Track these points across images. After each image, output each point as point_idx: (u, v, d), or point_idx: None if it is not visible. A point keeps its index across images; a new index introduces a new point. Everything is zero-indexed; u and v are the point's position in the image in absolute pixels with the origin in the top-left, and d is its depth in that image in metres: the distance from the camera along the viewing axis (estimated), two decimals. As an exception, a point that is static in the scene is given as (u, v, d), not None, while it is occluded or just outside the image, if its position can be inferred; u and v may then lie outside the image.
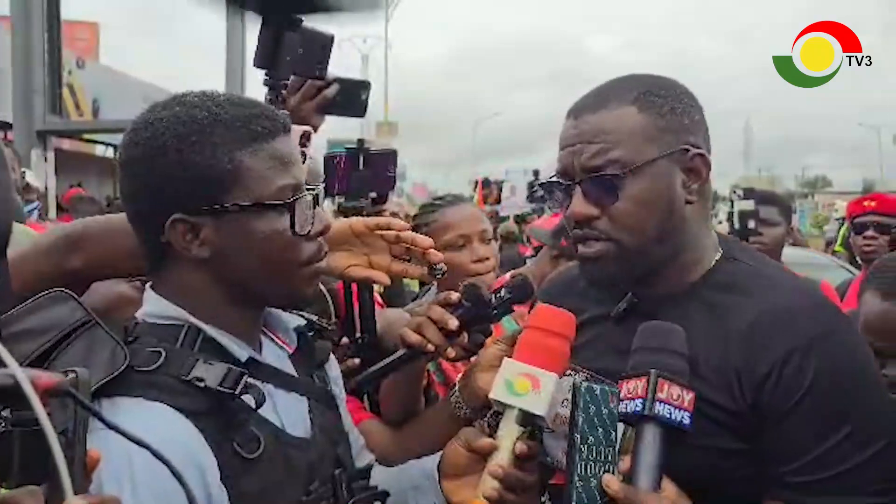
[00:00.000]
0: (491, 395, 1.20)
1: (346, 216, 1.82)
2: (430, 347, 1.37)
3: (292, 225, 1.10)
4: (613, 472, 1.12)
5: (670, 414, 1.08)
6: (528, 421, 1.18)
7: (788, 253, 3.75)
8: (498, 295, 1.42)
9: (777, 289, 1.22)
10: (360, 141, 1.86)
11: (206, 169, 1.06)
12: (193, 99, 1.10)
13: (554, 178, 1.29)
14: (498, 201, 11.46)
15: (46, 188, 11.51)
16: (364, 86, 1.93)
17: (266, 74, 1.71)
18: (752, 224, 3.13)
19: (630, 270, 1.24)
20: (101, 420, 0.74)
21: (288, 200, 1.10)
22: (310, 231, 1.13)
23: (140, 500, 0.94)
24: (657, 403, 1.08)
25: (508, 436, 1.18)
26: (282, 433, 1.11)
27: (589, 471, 1.12)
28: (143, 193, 1.09)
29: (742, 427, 1.15)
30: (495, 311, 1.41)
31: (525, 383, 1.18)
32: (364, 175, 1.83)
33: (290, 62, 1.70)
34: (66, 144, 14.76)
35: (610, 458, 1.14)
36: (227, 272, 1.10)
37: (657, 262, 1.25)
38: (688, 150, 1.23)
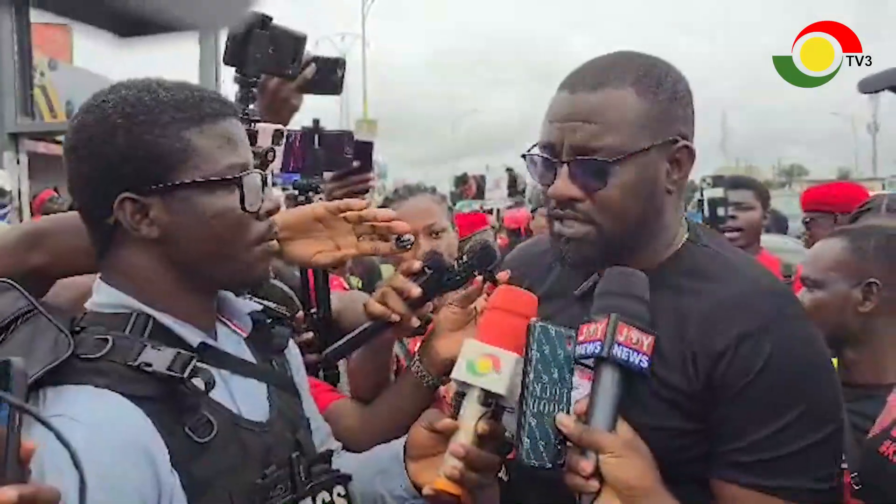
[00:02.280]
0: (452, 376, 1.20)
1: (301, 193, 1.82)
2: (395, 317, 1.36)
3: (242, 201, 1.09)
4: (568, 413, 1.12)
5: (628, 357, 1.08)
6: (490, 401, 1.18)
7: (765, 238, 3.75)
8: (461, 261, 1.41)
9: (739, 275, 1.22)
10: (316, 121, 1.86)
11: (154, 147, 1.05)
12: (139, 83, 1.10)
13: (538, 151, 1.25)
14: (476, 196, 11.46)
15: (20, 191, 11.38)
16: (339, 63, 1.96)
17: (236, 71, 1.72)
18: (721, 211, 3.11)
19: (604, 253, 1.23)
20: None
21: (236, 176, 1.09)
22: (259, 209, 1.12)
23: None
24: (616, 346, 1.07)
25: (471, 416, 1.17)
26: (236, 417, 1.09)
27: (543, 408, 1.11)
28: (92, 176, 1.07)
29: (695, 408, 1.15)
30: (458, 277, 1.41)
31: (486, 363, 1.17)
32: (319, 154, 1.82)
33: (260, 60, 1.71)
34: (42, 148, 14.58)
35: (564, 398, 1.13)
36: (177, 252, 1.09)
37: (630, 245, 1.24)
38: (676, 142, 1.22)
